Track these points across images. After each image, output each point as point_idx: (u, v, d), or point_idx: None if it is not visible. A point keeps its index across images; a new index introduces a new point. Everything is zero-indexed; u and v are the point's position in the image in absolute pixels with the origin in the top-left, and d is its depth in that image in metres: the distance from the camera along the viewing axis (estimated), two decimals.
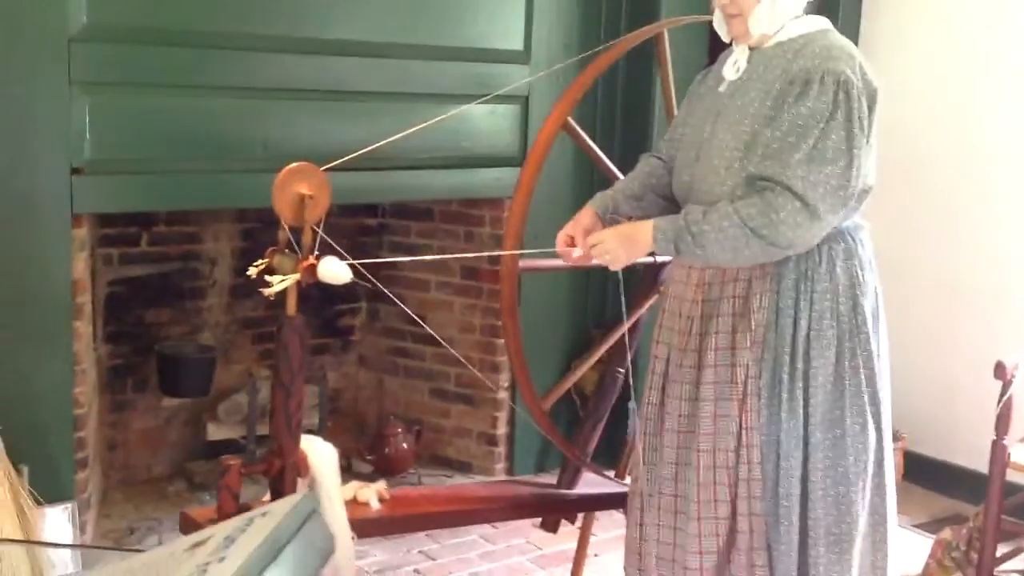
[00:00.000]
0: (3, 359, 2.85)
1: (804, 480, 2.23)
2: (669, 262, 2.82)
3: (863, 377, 2.25)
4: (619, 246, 2.24)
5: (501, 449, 3.98)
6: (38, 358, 2.92)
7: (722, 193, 2.18)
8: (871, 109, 2.17)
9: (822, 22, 2.26)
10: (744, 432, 2.21)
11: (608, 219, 2.38)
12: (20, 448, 2.84)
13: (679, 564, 2.28)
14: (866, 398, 2.25)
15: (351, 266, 2.26)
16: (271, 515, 0.92)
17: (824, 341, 2.21)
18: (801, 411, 2.20)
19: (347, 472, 3.78)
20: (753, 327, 2.20)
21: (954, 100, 3.92)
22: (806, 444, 2.22)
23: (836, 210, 2.13)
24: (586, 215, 2.40)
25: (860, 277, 2.25)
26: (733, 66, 2.28)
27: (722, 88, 2.28)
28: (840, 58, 2.15)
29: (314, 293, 3.98)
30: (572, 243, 2.39)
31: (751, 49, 2.26)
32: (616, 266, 2.28)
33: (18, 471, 2.84)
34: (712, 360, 2.24)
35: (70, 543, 2.88)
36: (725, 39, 2.32)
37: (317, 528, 0.92)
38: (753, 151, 2.15)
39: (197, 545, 0.93)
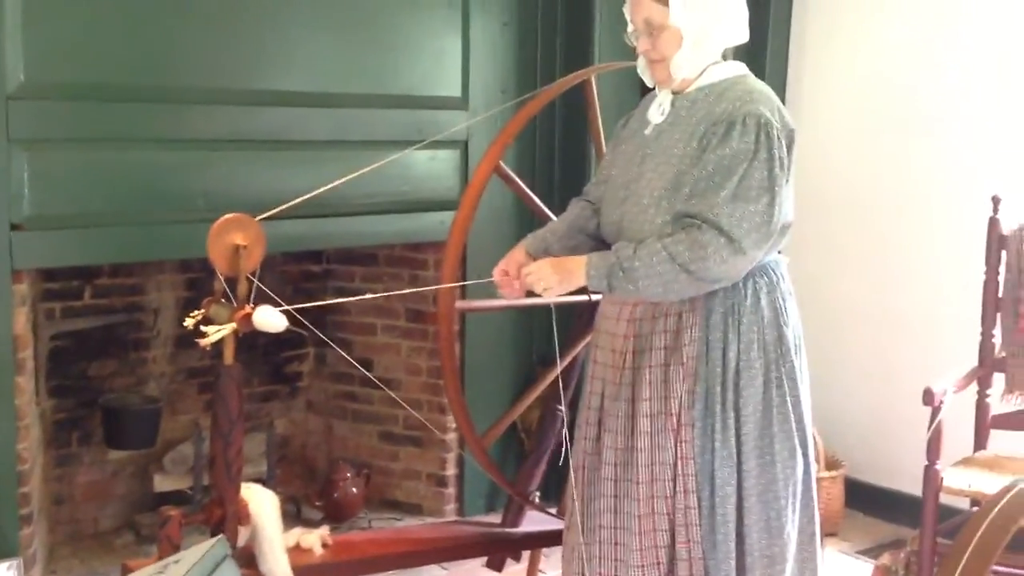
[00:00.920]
0: None
1: (739, 507, 2.29)
2: (600, 300, 2.89)
3: (790, 404, 2.33)
4: (553, 274, 2.30)
5: (451, 490, 4.00)
6: None
7: (651, 231, 2.25)
8: (790, 149, 2.27)
9: (740, 67, 2.36)
10: (680, 462, 2.27)
11: (540, 257, 2.44)
12: None
13: None
14: (793, 424, 2.33)
15: (288, 313, 2.30)
16: (183, 561, 0.96)
17: (752, 371, 2.28)
18: (734, 440, 2.28)
19: (297, 519, 3.79)
20: (685, 360, 2.28)
21: (881, 135, 4.04)
22: (739, 471, 2.29)
23: (760, 245, 2.22)
24: (519, 252, 2.47)
25: (783, 308, 2.34)
26: (658, 109, 2.37)
27: (647, 131, 2.37)
28: (760, 101, 2.25)
29: (260, 340, 4.00)
30: (507, 276, 2.44)
31: (674, 93, 2.35)
32: (550, 295, 2.34)
33: None
34: (647, 393, 2.30)
35: None
36: (649, 84, 2.41)
37: (229, 573, 0.96)
38: (679, 190, 2.24)
39: None
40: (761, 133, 2.20)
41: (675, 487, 2.28)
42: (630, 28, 2.33)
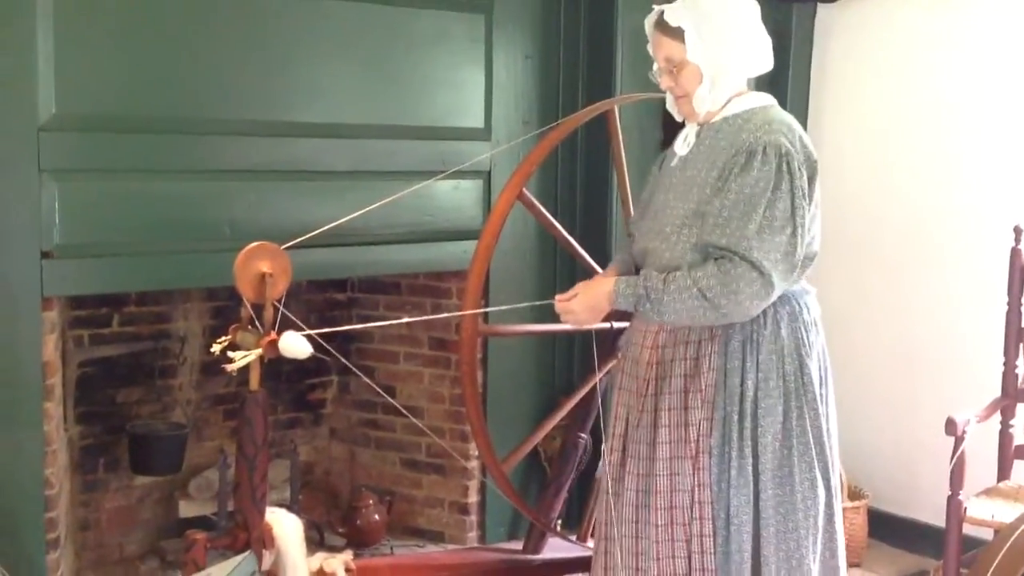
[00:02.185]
0: None
1: (756, 536, 2.30)
2: (626, 328, 2.91)
3: (811, 436, 2.33)
4: (583, 312, 2.38)
5: (473, 518, 4.01)
6: (8, 440, 2.95)
7: (671, 258, 2.30)
8: (811, 180, 2.29)
9: (765, 98, 2.40)
10: (697, 489, 2.29)
11: None
12: None
13: None
14: (814, 454, 2.33)
15: (312, 340, 2.34)
16: None
17: (771, 400, 2.30)
18: (751, 469, 2.29)
19: (320, 545, 3.80)
20: (703, 387, 2.30)
21: (902, 166, 4.05)
22: (757, 501, 2.30)
23: (787, 277, 2.25)
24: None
25: (805, 339, 2.34)
26: (683, 142, 2.42)
27: (674, 163, 2.42)
28: (780, 131, 2.28)
29: (285, 368, 4.04)
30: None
31: (700, 125, 2.38)
32: (581, 327, 2.49)
33: None
34: (666, 420, 2.33)
35: None
36: (678, 119, 2.46)
37: None
38: (701, 219, 2.27)
39: None
40: (782, 163, 2.23)
41: (692, 514, 2.30)
42: (655, 66, 2.38)
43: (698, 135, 2.39)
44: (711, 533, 2.28)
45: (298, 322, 2.42)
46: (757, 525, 2.30)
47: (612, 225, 3.91)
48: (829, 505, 2.37)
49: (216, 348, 2.38)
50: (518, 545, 3.17)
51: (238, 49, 3.24)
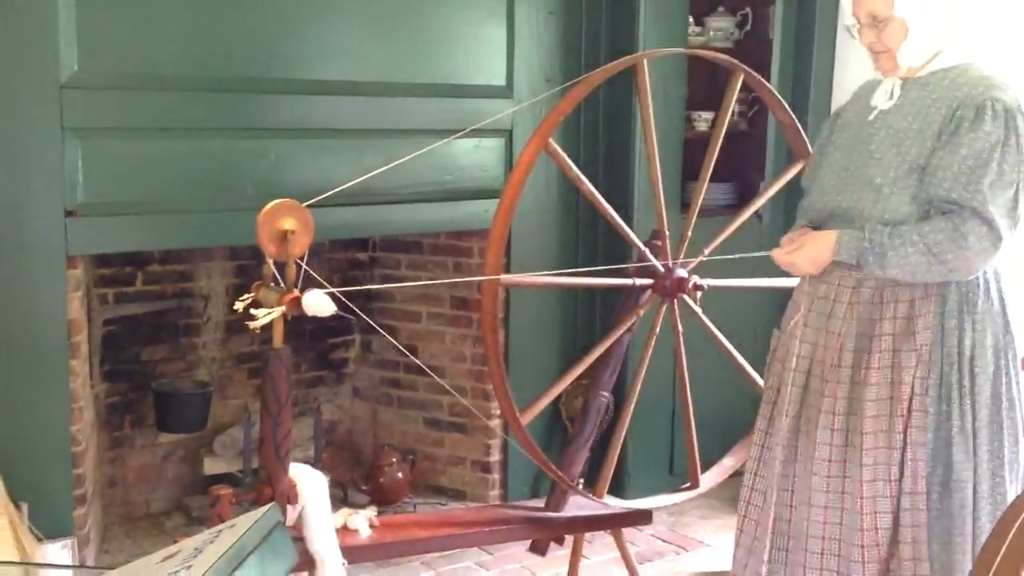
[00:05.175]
0: (2, 398, 2.92)
1: (974, 490, 2.33)
2: (649, 287, 2.90)
3: (1015, 391, 2.37)
4: (806, 264, 2.39)
5: (495, 476, 4.03)
6: (36, 397, 2.99)
7: (885, 210, 2.30)
8: None
9: (963, 55, 2.38)
10: (910, 448, 2.31)
11: None
12: (20, 485, 2.90)
13: (841, 573, 2.37)
14: (1018, 411, 2.36)
15: (335, 299, 2.34)
16: (236, 527, 0.99)
17: (985, 359, 2.32)
18: (970, 426, 2.31)
19: (343, 502, 3.83)
20: (918, 346, 2.30)
21: None
22: (974, 457, 2.32)
23: (1011, 233, 2.26)
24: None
25: (1007, 296, 2.37)
26: (885, 95, 2.40)
27: (872, 117, 2.40)
28: (1001, 87, 2.29)
29: (308, 327, 4.06)
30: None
31: (902, 80, 2.38)
32: (798, 275, 2.47)
33: (18, 508, 2.90)
34: (873, 378, 2.32)
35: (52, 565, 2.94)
36: (876, 74, 2.45)
37: (281, 538, 0.99)
38: (919, 172, 2.27)
39: (168, 558, 1.00)
40: (1009, 119, 2.24)
41: (902, 472, 2.32)
42: (850, 22, 2.37)
43: (902, 88, 2.37)
44: (924, 490, 2.30)
45: (321, 280, 2.42)
46: (974, 480, 2.32)
47: (635, 183, 3.88)
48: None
49: (239, 305, 2.39)
50: (540, 504, 3.18)
51: (260, 7, 3.23)
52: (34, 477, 2.97)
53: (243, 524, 1.00)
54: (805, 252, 2.39)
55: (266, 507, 1.02)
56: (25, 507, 2.93)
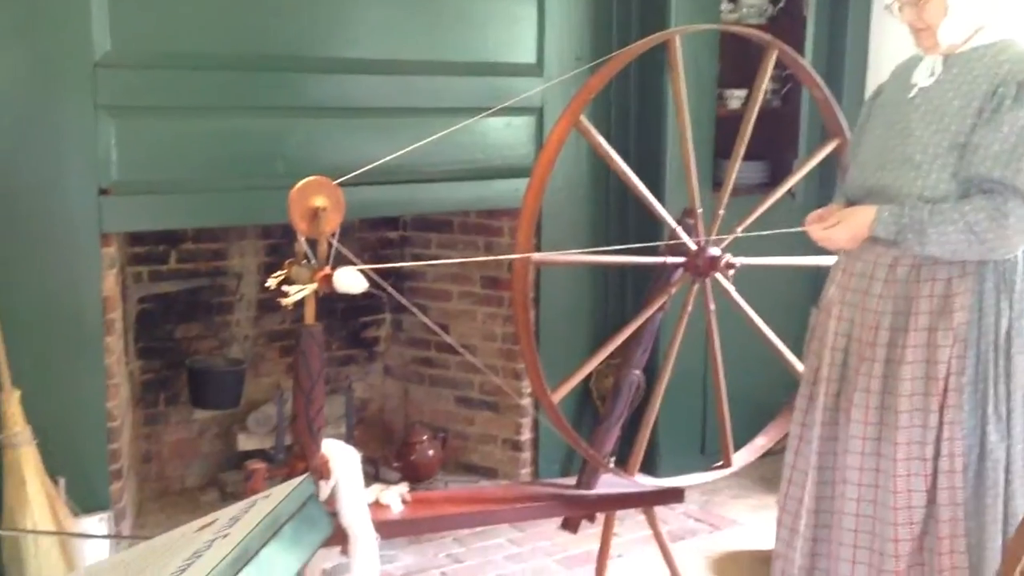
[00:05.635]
0: (39, 374, 2.95)
1: (1006, 471, 2.32)
2: (681, 265, 2.89)
3: None
4: (844, 239, 2.39)
5: (526, 455, 4.04)
6: (72, 373, 3.02)
7: (924, 187, 2.28)
8: None
9: (1005, 31, 2.36)
10: (946, 427, 2.30)
11: None
12: (57, 460, 2.95)
13: (876, 551, 2.37)
14: None
15: (366, 275, 2.34)
16: (272, 497, 1.00)
17: (1023, 339, 2.30)
18: (1004, 406, 2.30)
19: (375, 480, 3.86)
20: (954, 325, 2.29)
21: None
22: (1008, 437, 2.31)
23: None
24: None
25: None
26: (926, 72, 2.38)
27: (912, 94, 2.38)
28: None
29: (339, 306, 4.08)
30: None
31: (943, 56, 2.36)
32: (834, 249, 2.47)
33: (55, 483, 2.95)
34: (910, 357, 2.31)
35: (91, 535, 2.98)
36: (914, 51, 2.43)
37: (316, 509, 1.00)
38: (960, 149, 2.25)
39: (205, 527, 1.01)
40: None
41: (937, 451, 2.31)
42: (891, 1, 2.35)
43: (944, 65, 2.35)
44: (961, 469, 2.30)
45: (352, 257, 2.43)
46: (1008, 459, 2.32)
47: (666, 161, 3.86)
48: None
49: (271, 282, 2.40)
50: (571, 482, 3.19)
51: None
52: (71, 452, 3.01)
53: (278, 494, 1.01)
54: (843, 227, 2.37)
55: (301, 478, 1.03)
56: (62, 481, 2.97)
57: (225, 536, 0.93)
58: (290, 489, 1.01)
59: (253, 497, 1.02)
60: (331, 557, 2.82)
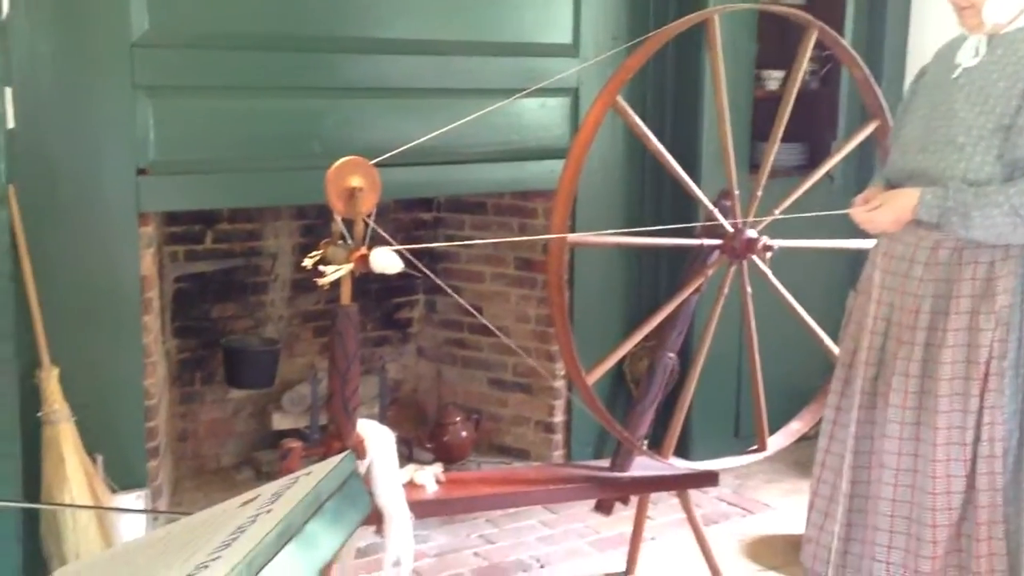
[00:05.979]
0: (78, 352, 2.98)
1: None
2: (717, 247, 2.87)
3: None
4: (887, 222, 2.36)
5: (559, 436, 4.04)
6: (110, 351, 3.05)
7: (968, 169, 2.25)
8: None
9: None
10: (987, 411, 2.28)
11: None
12: (95, 438, 2.98)
13: (913, 536, 2.35)
14: None
15: (401, 256, 2.34)
16: (314, 474, 1.00)
17: None
18: None
19: (408, 460, 3.87)
20: (996, 309, 2.26)
21: None
22: None
23: None
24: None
25: None
26: (971, 52, 2.35)
27: (956, 75, 2.35)
28: None
29: (373, 287, 4.08)
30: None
31: (987, 36, 2.33)
32: (876, 232, 2.43)
33: (93, 460, 2.98)
34: (951, 340, 2.29)
35: (134, 509, 3.01)
36: (957, 32, 2.40)
37: (357, 486, 1.00)
38: (1017, 134, 2.22)
39: (248, 502, 1.01)
40: None
41: (978, 435, 2.29)
42: None
43: (988, 45, 2.32)
44: (1001, 453, 2.28)
45: (388, 238, 2.43)
46: None
47: (702, 143, 3.83)
48: None
49: (308, 262, 2.40)
50: (605, 464, 3.19)
51: None
52: (109, 430, 3.03)
53: (320, 471, 1.01)
54: (886, 210, 2.34)
55: (342, 455, 1.03)
56: (100, 459, 3.00)
57: (268, 511, 0.93)
58: (332, 466, 1.01)
59: (295, 473, 1.03)
60: (365, 536, 2.84)
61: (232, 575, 0.83)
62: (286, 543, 0.88)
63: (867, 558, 2.43)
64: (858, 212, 2.41)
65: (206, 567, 0.87)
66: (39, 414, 2.89)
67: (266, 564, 0.86)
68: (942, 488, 2.30)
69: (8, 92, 2.78)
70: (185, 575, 0.88)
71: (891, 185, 2.44)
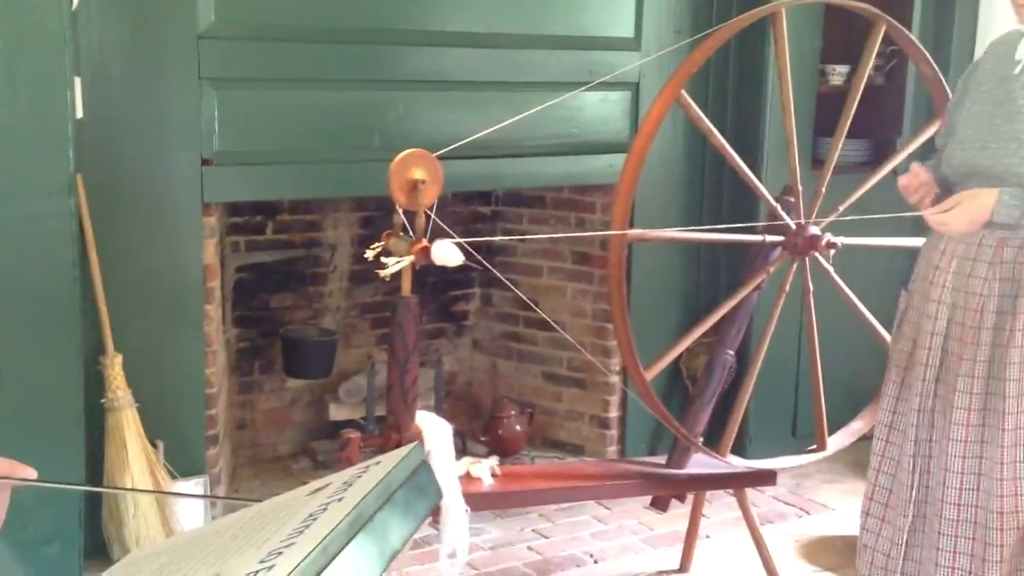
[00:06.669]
0: (141, 340, 3.03)
1: None
2: (779, 244, 2.84)
3: None
4: (964, 224, 2.30)
5: (613, 432, 4.02)
6: (172, 340, 3.09)
7: None
8: None
9: None
10: None
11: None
12: (156, 425, 3.02)
13: (980, 542, 2.33)
14: None
15: (462, 249, 2.35)
16: (384, 464, 1.00)
17: None
18: None
19: (462, 453, 3.88)
20: None
21: None
22: None
23: None
24: (923, 171, 2.47)
25: None
26: None
27: (1017, 70, 2.32)
28: None
29: (430, 279, 4.10)
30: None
31: None
32: (951, 234, 2.37)
33: (154, 447, 3.02)
34: (1019, 341, 2.26)
35: (197, 495, 3.04)
36: (1016, 27, 2.37)
37: (425, 476, 1.00)
38: None
39: (318, 490, 1.02)
40: None
41: None
42: None
43: None
44: None
45: (449, 230, 2.44)
46: None
47: (764, 138, 3.79)
48: None
49: (370, 254, 2.42)
50: (660, 461, 3.17)
51: None
52: (169, 417, 3.08)
53: (389, 460, 1.01)
54: (962, 211, 2.30)
55: (411, 445, 1.03)
56: (161, 446, 3.05)
57: (340, 500, 0.94)
58: (401, 456, 1.01)
59: (365, 463, 1.03)
60: (421, 527, 2.85)
61: (306, 563, 0.84)
62: (357, 532, 0.89)
63: (930, 563, 2.39)
64: (931, 215, 2.36)
65: (280, 553, 0.87)
66: (103, 400, 2.94)
67: (339, 552, 0.86)
68: (1009, 491, 2.26)
69: (78, 83, 2.82)
70: (258, 561, 0.88)
71: (949, 181, 2.39)
